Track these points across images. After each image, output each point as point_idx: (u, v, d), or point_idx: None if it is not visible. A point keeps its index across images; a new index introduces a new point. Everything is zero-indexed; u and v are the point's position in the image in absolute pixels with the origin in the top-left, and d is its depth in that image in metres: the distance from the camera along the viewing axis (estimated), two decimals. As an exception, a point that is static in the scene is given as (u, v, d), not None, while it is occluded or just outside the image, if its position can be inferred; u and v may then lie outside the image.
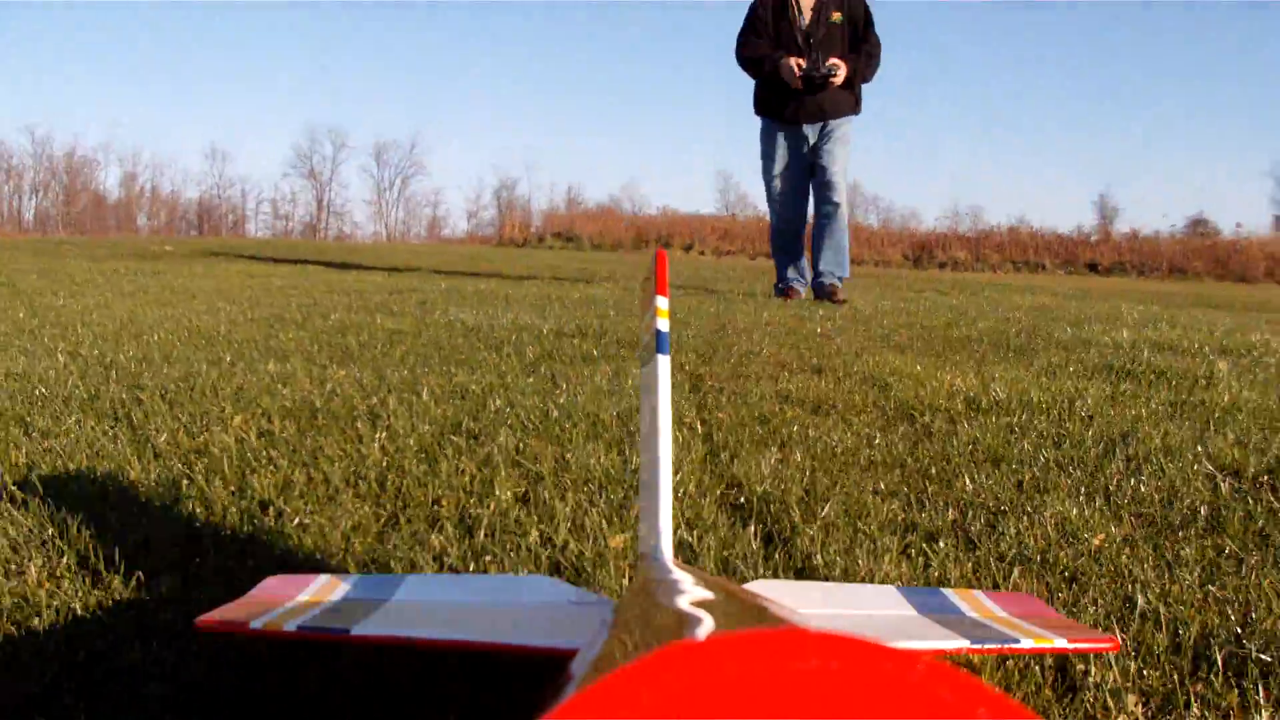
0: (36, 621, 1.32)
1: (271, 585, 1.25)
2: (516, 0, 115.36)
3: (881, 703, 0.32)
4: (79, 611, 1.36)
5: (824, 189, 7.57)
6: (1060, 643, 1.09)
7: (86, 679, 1.16)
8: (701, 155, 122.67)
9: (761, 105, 7.76)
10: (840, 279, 7.66)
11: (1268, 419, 2.85)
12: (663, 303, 1.24)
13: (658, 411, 1.17)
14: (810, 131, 7.57)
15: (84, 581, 1.46)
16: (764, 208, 7.95)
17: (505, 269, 11.93)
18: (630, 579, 1.37)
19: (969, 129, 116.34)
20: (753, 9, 7.68)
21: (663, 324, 1.22)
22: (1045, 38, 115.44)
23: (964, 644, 1.07)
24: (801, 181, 7.70)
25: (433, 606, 1.17)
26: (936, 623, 1.16)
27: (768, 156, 7.77)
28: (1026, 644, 1.07)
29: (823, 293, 7.54)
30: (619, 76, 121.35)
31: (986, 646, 1.08)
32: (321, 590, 1.20)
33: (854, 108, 7.67)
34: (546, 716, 0.33)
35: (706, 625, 0.64)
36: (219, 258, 12.26)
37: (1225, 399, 3.14)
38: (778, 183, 7.75)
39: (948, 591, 1.32)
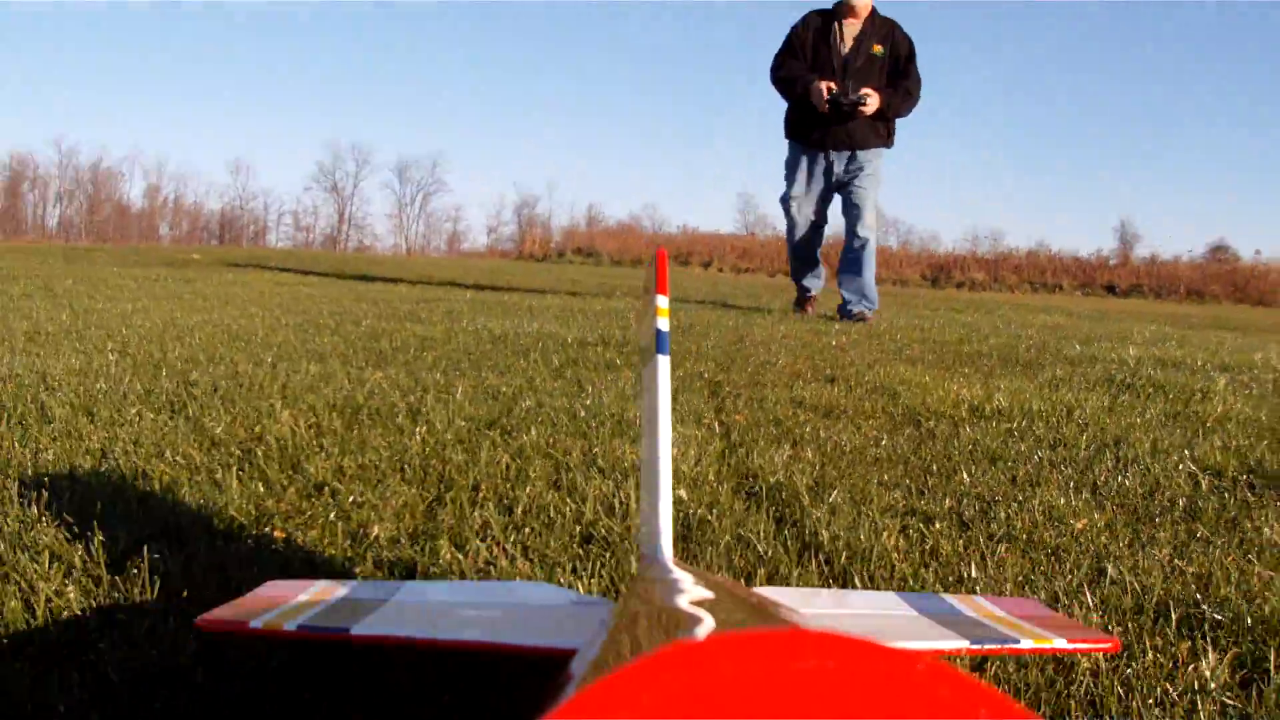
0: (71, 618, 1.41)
1: (271, 587, 1.26)
2: (542, 22, 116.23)
3: (881, 703, 0.32)
4: (119, 603, 1.53)
5: (853, 223, 7.41)
6: (1060, 643, 1.12)
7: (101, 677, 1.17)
8: (723, 177, 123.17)
9: (791, 128, 7.60)
10: (869, 309, 7.48)
11: (1256, 429, 3.01)
12: (663, 302, 1.23)
13: (658, 412, 1.17)
14: (837, 160, 7.40)
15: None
16: (783, 228, 7.85)
17: (526, 282, 12.13)
18: (630, 579, 1.39)
19: (991, 153, 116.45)
20: (793, 31, 7.51)
21: (663, 324, 1.21)
22: (1071, 63, 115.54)
23: (964, 644, 1.09)
24: (821, 206, 7.57)
25: (432, 608, 1.18)
26: (936, 623, 1.18)
27: (790, 180, 7.58)
28: (1026, 644, 1.10)
29: (849, 316, 7.34)
30: (643, 98, 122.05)
31: (986, 647, 1.09)
32: (321, 592, 1.21)
33: (885, 140, 7.45)
34: (546, 716, 0.33)
35: (706, 625, 0.64)
36: (245, 269, 12.50)
37: (1219, 410, 3.30)
38: (796, 204, 7.55)
39: (947, 595, 1.37)
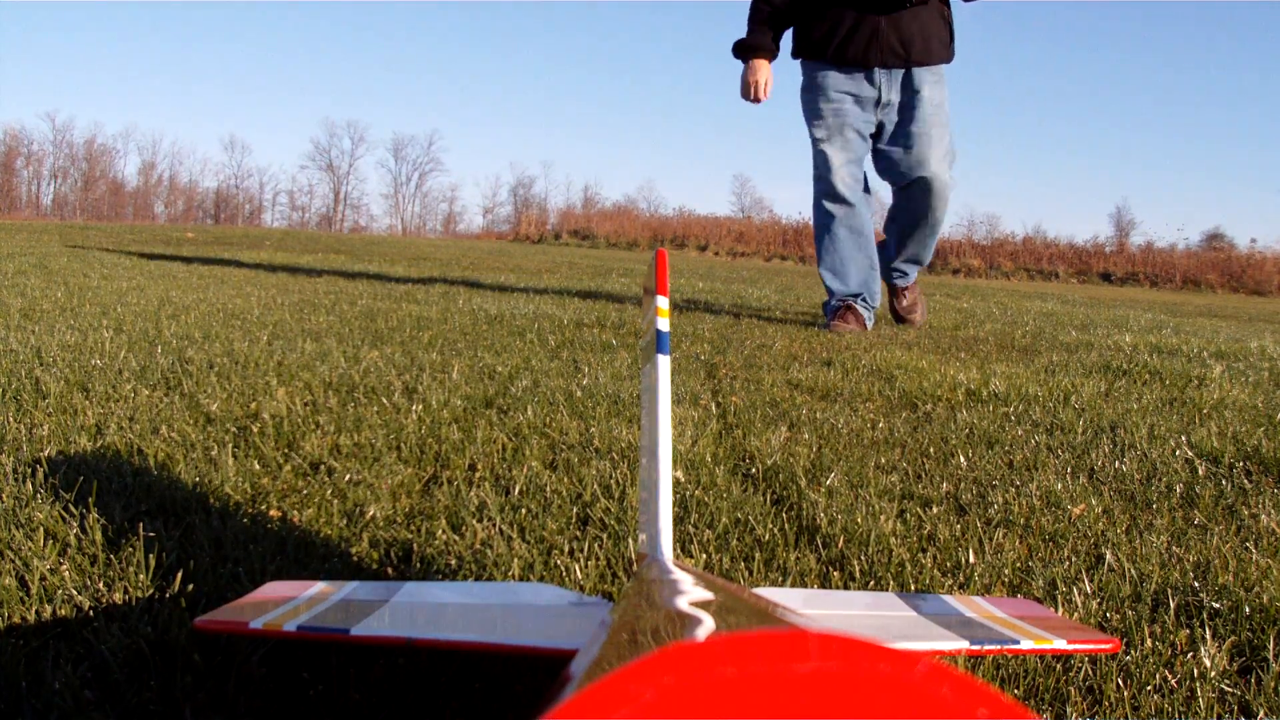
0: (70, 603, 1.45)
1: (271, 588, 1.26)
2: (539, 1, 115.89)
3: (881, 703, 0.32)
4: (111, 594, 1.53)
5: (918, 191, 5.17)
6: (1060, 643, 1.11)
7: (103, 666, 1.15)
8: (718, 158, 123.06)
9: (805, 42, 5.25)
10: (917, 266, 5.56)
11: (1253, 415, 3.01)
12: (663, 303, 1.20)
13: (658, 411, 1.15)
14: (885, 82, 5.11)
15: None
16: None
17: (523, 263, 12.11)
18: (630, 579, 1.39)
19: (988, 138, 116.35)
20: None
21: (663, 324, 1.19)
22: (1066, 47, 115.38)
23: (964, 645, 1.08)
24: (862, 154, 5.26)
25: (432, 608, 1.18)
26: (936, 624, 1.17)
27: (815, 115, 5.21)
28: (1026, 645, 1.10)
29: (891, 303, 5.58)
30: (639, 78, 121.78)
31: (986, 647, 1.09)
32: (321, 592, 1.21)
33: (947, 51, 5.19)
34: (546, 716, 0.33)
35: (706, 625, 0.64)
36: (239, 251, 12.47)
37: (1215, 397, 3.30)
38: (832, 156, 5.16)
39: (947, 596, 1.37)
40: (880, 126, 5.21)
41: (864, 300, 5.34)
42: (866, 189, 5.34)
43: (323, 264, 9.58)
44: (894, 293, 5.67)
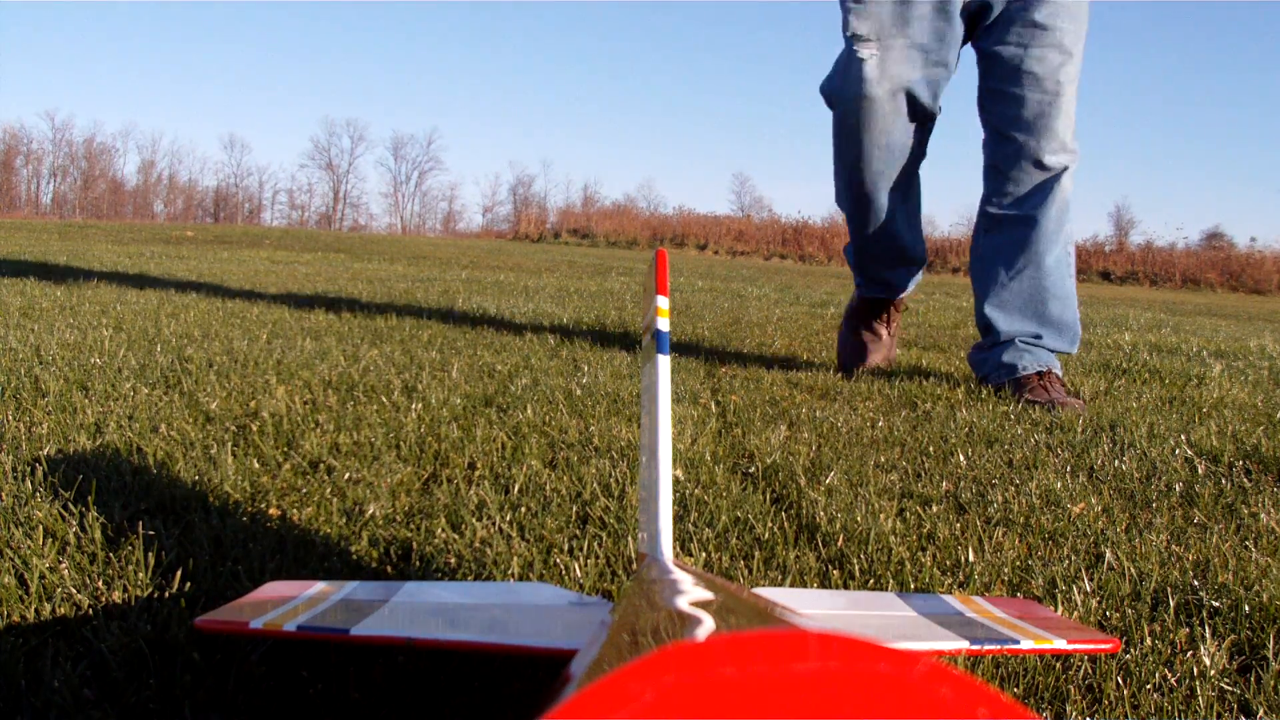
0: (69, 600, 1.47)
1: (271, 587, 1.26)
2: (539, 1, 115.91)
3: (881, 703, 0.32)
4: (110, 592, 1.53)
5: (1023, 132, 3.14)
6: (1060, 643, 1.11)
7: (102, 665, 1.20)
8: (718, 157, 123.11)
9: None
10: (1055, 352, 3.30)
11: (1252, 414, 3.01)
12: (663, 302, 1.19)
13: (658, 411, 1.15)
14: None
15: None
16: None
17: (523, 262, 12.11)
18: (630, 578, 1.37)
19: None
20: None
21: (663, 324, 1.19)
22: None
23: (963, 645, 1.08)
24: (932, 65, 3.13)
25: (432, 608, 1.18)
26: (936, 624, 1.17)
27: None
28: (1026, 645, 1.10)
29: (1017, 383, 3.20)
30: (639, 78, 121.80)
31: (986, 647, 1.09)
32: (321, 592, 1.21)
33: None
34: (546, 716, 0.33)
35: (706, 625, 0.64)
36: (239, 245, 12.46)
37: (1214, 396, 3.30)
38: (873, 58, 3.08)
39: (947, 596, 1.36)
40: (972, 26, 3.20)
41: (898, 305, 3.74)
42: (924, 124, 3.30)
43: (322, 262, 9.58)
44: (1020, 380, 3.25)
